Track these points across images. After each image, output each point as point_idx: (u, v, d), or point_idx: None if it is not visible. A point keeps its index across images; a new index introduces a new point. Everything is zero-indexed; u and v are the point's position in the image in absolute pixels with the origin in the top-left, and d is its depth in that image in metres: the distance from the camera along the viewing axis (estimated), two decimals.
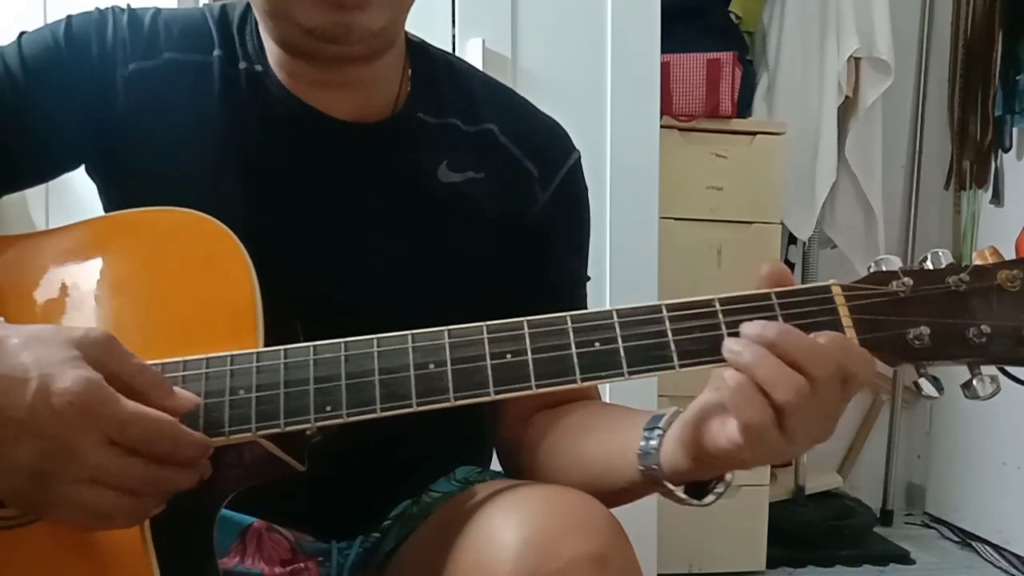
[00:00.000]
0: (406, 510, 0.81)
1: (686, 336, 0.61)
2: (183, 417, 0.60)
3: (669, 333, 0.61)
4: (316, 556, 0.82)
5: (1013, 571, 2.42)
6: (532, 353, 0.61)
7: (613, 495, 0.72)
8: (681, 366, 0.61)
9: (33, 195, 1.15)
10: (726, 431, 0.60)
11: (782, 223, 2.43)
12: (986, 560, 2.51)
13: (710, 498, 0.66)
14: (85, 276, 0.71)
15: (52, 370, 0.53)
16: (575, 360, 0.61)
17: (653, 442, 0.67)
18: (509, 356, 0.61)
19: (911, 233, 2.84)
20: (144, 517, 0.60)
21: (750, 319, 0.60)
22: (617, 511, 0.67)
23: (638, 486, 0.69)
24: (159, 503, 0.59)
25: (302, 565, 0.80)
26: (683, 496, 0.66)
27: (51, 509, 0.56)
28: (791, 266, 2.64)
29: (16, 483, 0.54)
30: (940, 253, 0.62)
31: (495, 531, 0.63)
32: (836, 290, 0.62)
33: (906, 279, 0.61)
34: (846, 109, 2.55)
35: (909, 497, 2.95)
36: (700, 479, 0.66)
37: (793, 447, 0.58)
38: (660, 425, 0.67)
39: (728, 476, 0.66)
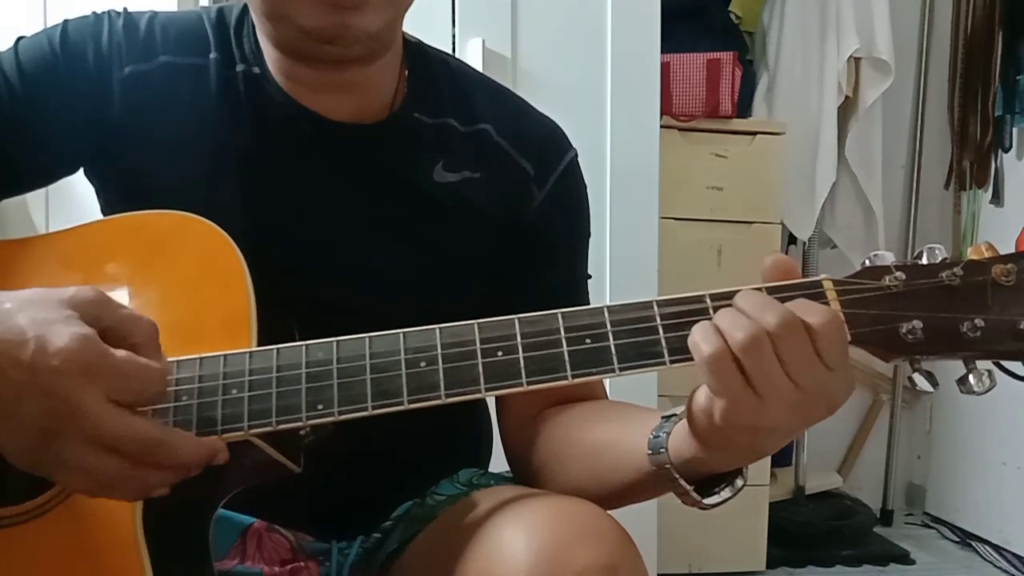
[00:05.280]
0: (409, 511, 0.81)
1: (677, 332, 0.61)
2: (177, 419, 0.61)
3: (660, 329, 0.61)
4: (316, 556, 0.82)
5: (1013, 571, 2.41)
6: (523, 350, 0.61)
7: (623, 490, 0.72)
8: (672, 362, 0.60)
9: (34, 197, 1.15)
10: (704, 388, 0.60)
11: (782, 223, 2.43)
12: (986, 560, 2.51)
13: (713, 499, 0.66)
14: (80, 280, 0.71)
15: (47, 330, 0.55)
16: (566, 357, 0.61)
17: (666, 428, 0.66)
18: (500, 353, 0.61)
19: (911, 233, 2.84)
20: (147, 492, 0.60)
21: None
22: (617, 512, 0.67)
23: (648, 479, 0.68)
24: (162, 481, 0.59)
25: (302, 564, 0.80)
26: (687, 487, 0.65)
27: (58, 470, 0.57)
28: None
29: (24, 442, 0.56)
30: (936, 248, 0.62)
31: (505, 541, 0.63)
32: (828, 284, 0.61)
33: (899, 274, 0.61)
34: (846, 109, 2.55)
35: (909, 497, 2.95)
36: (705, 471, 0.65)
37: (766, 406, 0.57)
38: (678, 413, 0.67)
39: (739, 482, 0.66)
